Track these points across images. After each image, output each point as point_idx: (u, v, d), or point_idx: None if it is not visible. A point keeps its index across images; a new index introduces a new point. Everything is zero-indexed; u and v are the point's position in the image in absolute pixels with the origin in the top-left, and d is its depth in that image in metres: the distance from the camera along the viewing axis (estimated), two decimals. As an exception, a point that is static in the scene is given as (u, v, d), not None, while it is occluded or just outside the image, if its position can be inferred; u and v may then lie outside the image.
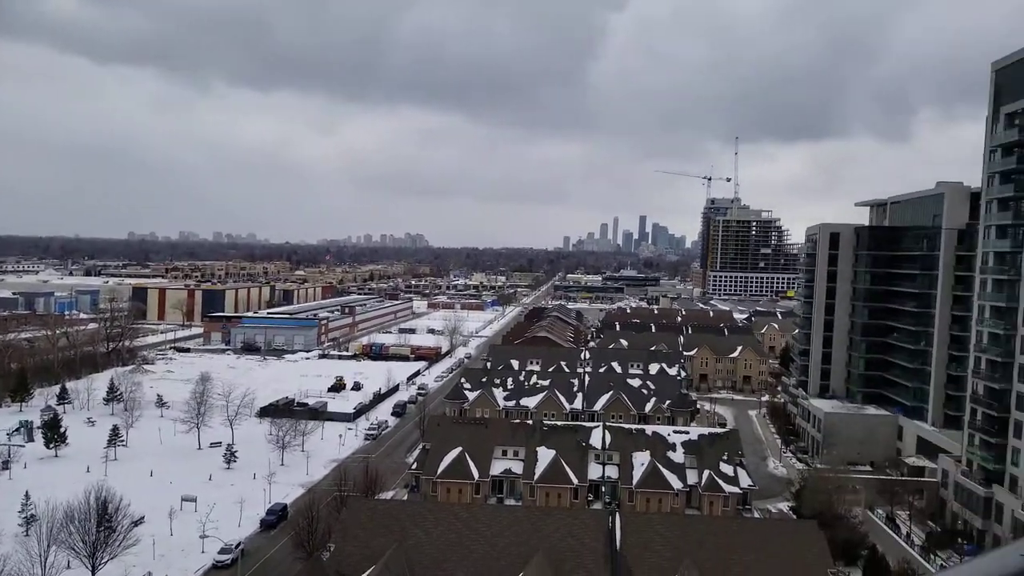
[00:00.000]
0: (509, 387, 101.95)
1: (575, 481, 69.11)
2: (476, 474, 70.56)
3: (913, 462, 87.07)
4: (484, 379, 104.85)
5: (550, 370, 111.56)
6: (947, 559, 68.21)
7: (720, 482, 67.95)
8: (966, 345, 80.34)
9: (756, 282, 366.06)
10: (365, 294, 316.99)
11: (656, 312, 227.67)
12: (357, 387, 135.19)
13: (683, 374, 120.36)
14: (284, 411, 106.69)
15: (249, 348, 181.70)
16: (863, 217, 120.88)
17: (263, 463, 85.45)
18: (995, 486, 69.64)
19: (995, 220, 73.19)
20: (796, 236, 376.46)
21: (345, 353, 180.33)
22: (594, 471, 70.64)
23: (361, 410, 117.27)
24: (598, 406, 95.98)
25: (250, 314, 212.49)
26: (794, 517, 70.15)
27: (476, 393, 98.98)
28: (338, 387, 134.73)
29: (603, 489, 69.82)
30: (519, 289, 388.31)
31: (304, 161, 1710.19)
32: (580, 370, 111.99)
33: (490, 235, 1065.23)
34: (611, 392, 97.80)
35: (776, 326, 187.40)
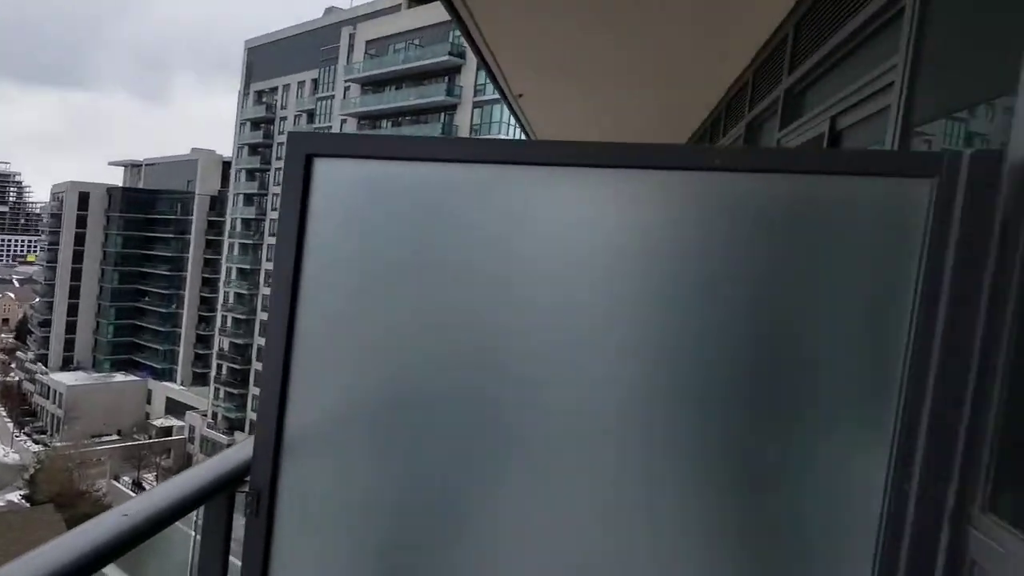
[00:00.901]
0: None
1: None
2: None
3: (161, 423, 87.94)
4: None
5: None
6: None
7: (-77, 480, 54.32)
8: (215, 306, 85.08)
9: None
10: None
11: None
12: None
13: None
14: None
15: None
16: (119, 177, 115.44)
17: None
18: (237, 432, 75.77)
19: (243, 188, 79.44)
20: (42, 194, 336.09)
21: None
22: None
23: None
24: None
25: None
26: (28, 505, 61.92)
27: None
28: None
29: None
30: None
31: None
32: None
33: None
34: None
35: (12, 295, 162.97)
